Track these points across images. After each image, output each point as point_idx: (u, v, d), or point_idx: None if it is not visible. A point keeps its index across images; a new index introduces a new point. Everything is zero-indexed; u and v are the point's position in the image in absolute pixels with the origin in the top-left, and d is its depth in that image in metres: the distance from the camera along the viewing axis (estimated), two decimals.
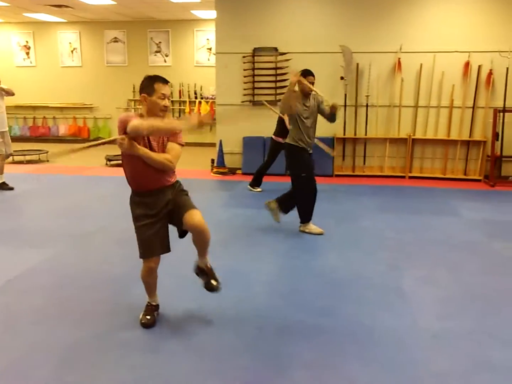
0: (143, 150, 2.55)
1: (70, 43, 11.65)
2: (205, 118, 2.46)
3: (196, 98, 11.23)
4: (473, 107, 7.32)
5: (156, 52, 11.35)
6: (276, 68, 7.59)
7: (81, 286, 3.39)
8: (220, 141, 7.77)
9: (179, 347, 2.60)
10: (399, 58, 7.34)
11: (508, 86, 7.09)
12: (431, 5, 7.22)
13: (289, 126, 4.66)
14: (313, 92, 4.41)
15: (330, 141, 7.41)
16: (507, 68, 7.08)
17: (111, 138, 2.59)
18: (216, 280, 2.87)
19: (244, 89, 7.74)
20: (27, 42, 11.81)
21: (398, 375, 2.36)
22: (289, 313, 3.00)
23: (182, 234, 2.81)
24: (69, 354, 2.51)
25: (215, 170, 7.81)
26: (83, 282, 3.45)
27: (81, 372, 2.37)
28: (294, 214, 4.68)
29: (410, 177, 7.56)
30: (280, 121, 6.17)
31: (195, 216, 2.65)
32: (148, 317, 2.82)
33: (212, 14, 8.92)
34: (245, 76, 7.71)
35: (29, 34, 11.74)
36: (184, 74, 11.24)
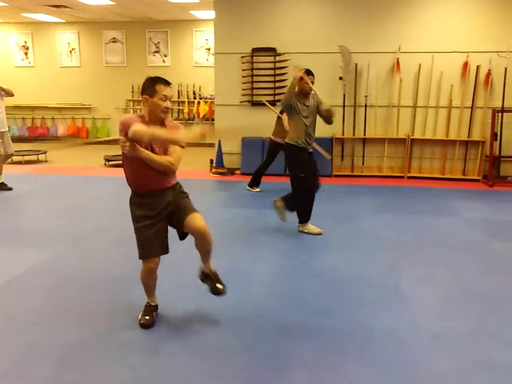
0: (145, 153, 2.56)
1: (68, 43, 11.64)
2: (207, 131, 2.48)
3: (195, 98, 11.24)
4: (471, 107, 7.33)
5: (155, 52, 11.35)
6: (274, 69, 7.60)
7: (81, 286, 3.39)
8: (219, 142, 7.77)
9: (179, 347, 2.60)
10: (397, 58, 7.35)
11: (506, 86, 7.09)
12: (430, 5, 7.23)
13: (286, 127, 4.64)
14: (312, 92, 4.42)
15: (329, 141, 7.43)
16: (506, 68, 7.09)
17: (115, 138, 2.59)
18: (221, 283, 2.88)
19: (243, 89, 7.74)
20: (25, 42, 11.80)
21: (398, 375, 2.36)
22: (289, 313, 3.00)
23: (182, 236, 2.81)
24: (69, 354, 2.51)
25: (214, 170, 7.81)
26: (82, 282, 3.45)
27: (81, 372, 2.37)
28: (293, 214, 4.68)
29: (409, 177, 7.56)
30: (279, 122, 6.17)
31: (197, 220, 2.67)
32: (147, 317, 2.82)
33: (210, 14, 8.93)
34: (243, 77, 7.72)
35: (28, 34, 11.73)
36: (183, 74, 11.24)
